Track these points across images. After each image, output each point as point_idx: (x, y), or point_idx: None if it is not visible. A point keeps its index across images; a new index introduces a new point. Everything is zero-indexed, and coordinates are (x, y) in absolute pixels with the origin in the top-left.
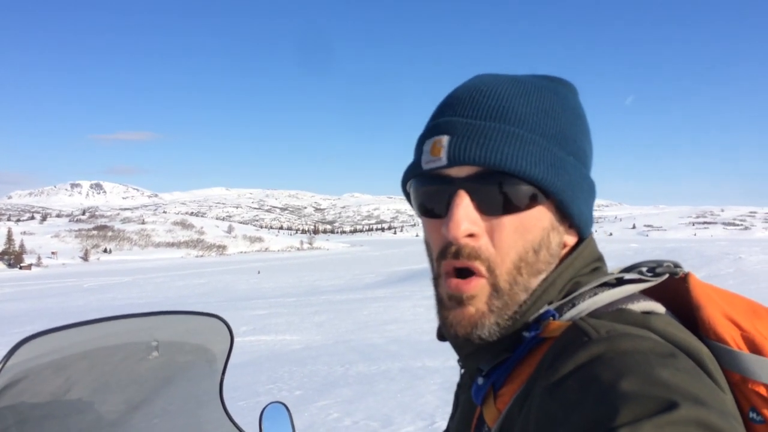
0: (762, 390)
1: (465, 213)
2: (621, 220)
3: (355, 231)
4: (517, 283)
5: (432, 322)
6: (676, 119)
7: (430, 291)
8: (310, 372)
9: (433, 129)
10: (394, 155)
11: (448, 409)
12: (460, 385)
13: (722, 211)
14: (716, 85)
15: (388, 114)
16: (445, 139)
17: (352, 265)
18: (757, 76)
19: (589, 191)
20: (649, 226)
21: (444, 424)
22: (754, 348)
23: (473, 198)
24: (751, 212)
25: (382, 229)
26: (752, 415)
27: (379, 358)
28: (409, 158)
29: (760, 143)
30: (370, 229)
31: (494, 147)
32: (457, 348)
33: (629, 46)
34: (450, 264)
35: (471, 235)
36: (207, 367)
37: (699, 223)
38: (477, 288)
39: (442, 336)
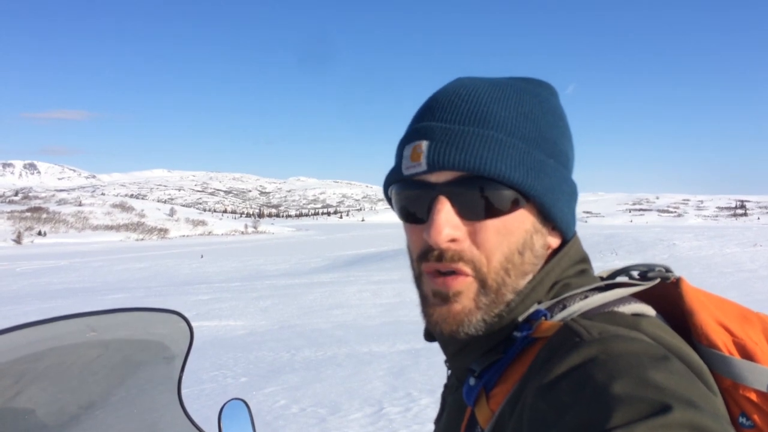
0: (752, 395)
1: (446, 218)
2: None
3: (300, 215)
4: (505, 284)
5: (378, 306)
6: (615, 108)
7: (376, 276)
8: (256, 358)
9: (412, 134)
10: (342, 139)
11: (396, 395)
12: (447, 387)
13: (657, 198)
14: (652, 76)
15: (338, 99)
16: (424, 145)
17: (297, 250)
18: (691, 69)
19: (570, 193)
20: (588, 212)
21: (392, 410)
22: (746, 354)
23: (454, 203)
24: (684, 200)
25: (328, 214)
26: (742, 420)
27: (326, 344)
28: (359, 142)
29: (693, 133)
30: (316, 213)
31: (474, 152)
32: (444, 347)
33: (572, 34)
34: (432, 266)
35: (453, 240)
36: (165, 364)
37: (635, 209)
38: (463, 284)
39: (430, 336)
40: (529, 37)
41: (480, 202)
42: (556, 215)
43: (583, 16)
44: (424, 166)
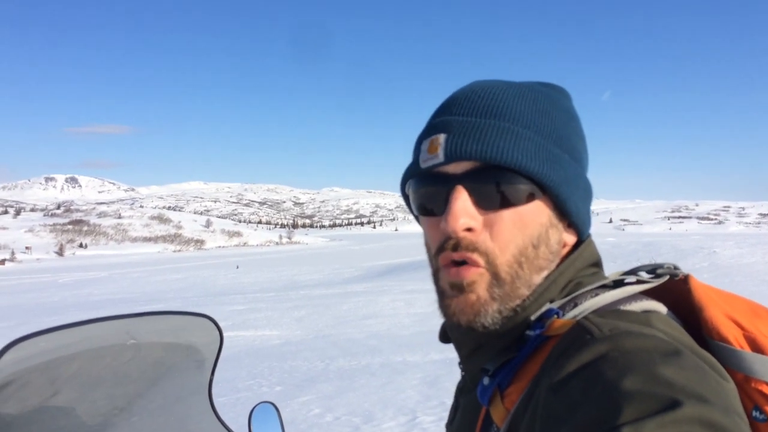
0: (765, 388)
1: (463, 207)
2: (598, 214)
3: (334, 225)
4: (519, 277)
5: (411, 316)
6: (652, 115)
7: (409, 285)
8: (291, 367)
9: (430, 129)
10: (374, 150)
11: (430, 404)
12: (460, 389)
13: (697, 205)
14: (691, 82)
15: (370, 109)
16: (442, 137)
17: (331, 260)
18: (730, 73)
19: (585, 190)
20: (625, 220)
21: (425, 419)
22: (756, 347)
23: (471, 193)
24: (725, 207)
25: (362, 224)
26: (755, 413)
27: (360, 353)
28: (391, 152)
29: (734, 139)
30: (350, 224)
31: (491, 142)
32: (458, 348)
33: (607, 41)
34: (448, 256)
35: (469, 230)
36: (195, 367)
37: (674, 217)
38: (476, 275)
39: (445, 337)
40: (562, 42)
41: (497, 192)
42: (571, 209)
43: (618, 21)
44: (441, 158)
